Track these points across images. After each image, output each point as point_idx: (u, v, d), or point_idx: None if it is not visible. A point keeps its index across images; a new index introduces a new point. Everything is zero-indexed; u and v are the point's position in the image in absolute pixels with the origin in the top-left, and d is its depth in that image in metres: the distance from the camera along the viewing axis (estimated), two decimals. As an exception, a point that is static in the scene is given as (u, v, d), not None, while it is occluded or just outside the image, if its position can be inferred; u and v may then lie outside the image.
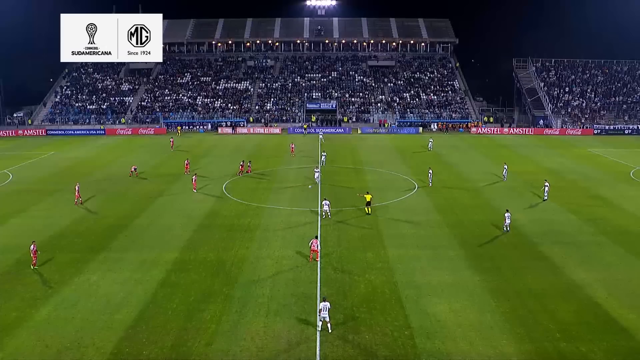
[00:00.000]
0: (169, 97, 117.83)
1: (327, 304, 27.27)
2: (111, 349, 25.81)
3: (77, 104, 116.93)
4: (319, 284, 32.47)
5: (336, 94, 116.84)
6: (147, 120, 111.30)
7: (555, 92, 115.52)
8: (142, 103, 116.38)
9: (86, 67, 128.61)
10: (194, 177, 55.55)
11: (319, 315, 27.41)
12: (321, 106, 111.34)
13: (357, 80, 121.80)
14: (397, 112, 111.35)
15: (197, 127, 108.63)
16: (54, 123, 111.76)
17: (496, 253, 37.91)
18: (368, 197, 46.84)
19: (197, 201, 51.30)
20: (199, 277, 33.87)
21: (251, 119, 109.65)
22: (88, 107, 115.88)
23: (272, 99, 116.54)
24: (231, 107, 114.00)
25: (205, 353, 25.49)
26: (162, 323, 28.10)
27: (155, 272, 34.75)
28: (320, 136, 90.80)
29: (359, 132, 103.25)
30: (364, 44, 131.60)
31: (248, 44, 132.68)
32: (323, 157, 69.50)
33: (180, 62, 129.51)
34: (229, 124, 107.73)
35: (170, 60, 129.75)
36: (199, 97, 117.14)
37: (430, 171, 57.86)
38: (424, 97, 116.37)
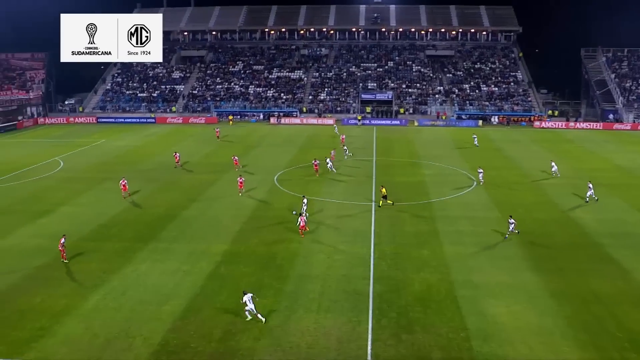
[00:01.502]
0: (220, 86, 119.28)
1: (250, 295, 27.95)
2: (159, 340, 26.35)
3: (127, 92, 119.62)
4: (371, 281, 32.38)
5: (392, 84, 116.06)
6: (198, 109, 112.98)
7: (628, 84, 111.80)
8: (193, 91, 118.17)
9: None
10: (240, 179, 52.34)
11: (246, 309, 27.91)
12: (376, 97, 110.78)
13: (414, 70, 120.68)
14: (455, 104, 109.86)
15: (249, 116, 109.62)
16: (105, 111, 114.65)
17: (558, 254, 36.99)
18: (384, 191, 46.90)
19: (248, 192, 51.79)
20: (249, 270, 34.22)
21: (304, 109, 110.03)
22: (139, 95, 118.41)
23: (325, 89, 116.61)
24: (284, 97, 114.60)
25: (254, 348, 25.74)
26: (211, 316, 28.52)
27: (204, 263, 35.28)
28: (336, 130, 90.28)
29: (416, 124, 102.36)
30: (422, 32, 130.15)
31: (302, 31, 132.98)
32: (346, 151, 69.55)
33: (232, 50, 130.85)
34: (281, 114, 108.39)
35: (222, 48, 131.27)
36: (251, 86, 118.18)
37: (481, 170, 56.17)
38: (485, 88, 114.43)
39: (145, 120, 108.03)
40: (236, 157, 63.15)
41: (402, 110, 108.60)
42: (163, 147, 78.05)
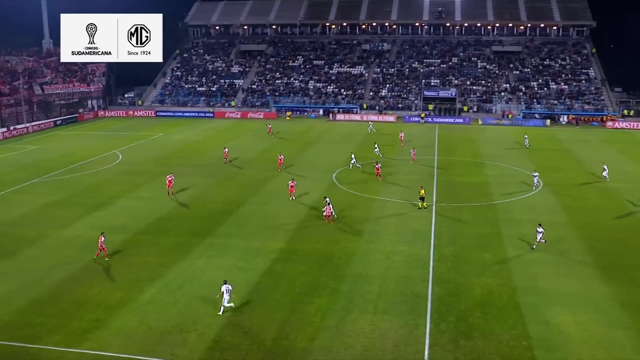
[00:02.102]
0: (279, 81, 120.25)
1: (228, 287, 28.96)
2: (213, 336, 26.77)
3: (186, 86, 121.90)
4: (430, 284, 32.12)
5: (456, 81, 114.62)
6: (257, 103, 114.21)
7: None
8: (252, 86, 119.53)
9: (197, 48, 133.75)
10: (291, 182, 50.13)
11: (224, 300, 28.89)
12: (439, 94, 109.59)
13: (479, 66, 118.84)
14: (522, 103, 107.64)
15: (309, 112, 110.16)
16: (164, 104, 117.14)
17: (630, 262, 35.81)
18: (422, 192, 46.38)
19: (305, 189, 52.09)
20: (305, 269, 34.42)
21: (364, 106, 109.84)
22: (198, 89, 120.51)
23: (387, 85, 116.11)
24: (344, 93, 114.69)
25: (308, 348, 25.87)
26: (265, 313, 28.82)
27: (260, 260, 35.68)
28: (370, 125, 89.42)
29: (480, 122, 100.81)
30: (488, 27, 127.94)
31: (363, 26, 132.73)
32: (376, 149, 68.75)
33: (293, 44, 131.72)
34: (340, 110, 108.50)
35: (282, 42, 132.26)
36: (310, 81, 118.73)
37: (536, 174, 54.29)
38: (554, 86, 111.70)
39: (203, 115, 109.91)
40: (282, 156, 62.00)
41: (465, 108, 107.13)
42: (221, 141, 79.18)
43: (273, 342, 26.32)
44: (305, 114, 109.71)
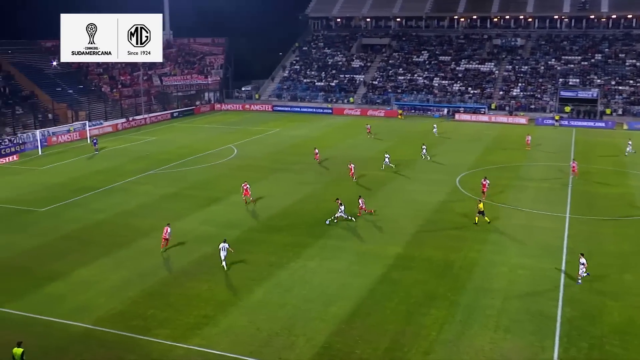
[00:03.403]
0: (402, 77, 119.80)
1: (226, 245, 34.73)
2: (322, 342, 27.04)
3: (305, 80, 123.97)
4: (560, 303, 30.85)
5: (599, 80, 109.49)
6: (378, 100, 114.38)
7: None
8: (373, 82, 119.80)
9: (317, 40, 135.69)
10: (360, 199, 45.95)
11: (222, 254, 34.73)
12: (578, 94, 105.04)
13: (627, 64, 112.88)
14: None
15: (432, 111, 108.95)
16: (281, 99, 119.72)
17: None
18: (481, 206, 43.95)
19: (427, 192, 51.60)
20: (423, 277, 34.10)
21: (493, 106, 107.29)
22: (316, 83, 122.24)
23: (519, 84, 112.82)
24: (471, 91, 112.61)
25: (422, 362, 25.63)
26: (379, 322, 28.78)
27: (376, 266, 35.69)
28: (435, 130, 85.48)
29: (625, 127, 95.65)
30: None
31: (495, 19, 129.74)
32: (423, 150, 67.19)
33: (417, 38, 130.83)
34: (466, 109, 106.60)
35: (407, 36, 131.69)
36: (435, 78, 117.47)
37: None
38: None
39: (321, 111, 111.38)
40: (352, 165, 57.31)
41: (608, 111, 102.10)
42: (338, 139, 79.91)
43: (385, 353, 26.22)
44: (429, 113, 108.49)
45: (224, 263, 34.86)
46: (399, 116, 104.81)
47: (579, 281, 33.26)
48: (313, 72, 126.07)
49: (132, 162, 65.77)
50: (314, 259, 36.80)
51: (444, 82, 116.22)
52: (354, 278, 33.95)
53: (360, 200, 45.22)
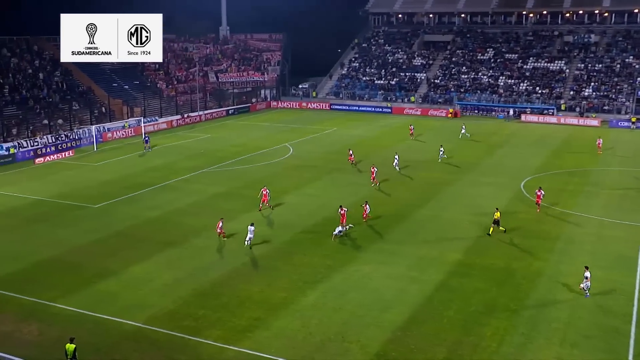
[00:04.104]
0: (466, 76, 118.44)
1: (252, 228, 38.10)
2: (376, 349, 26.94)
3: (364, 78, 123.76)
4: (634, 319, 29.94)
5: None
6: (439, 100, 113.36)
7: None
8: (435, 80, 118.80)
9: (377, 37, 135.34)
10: (365, 207, 45.13)
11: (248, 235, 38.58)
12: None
13: None
14: None
15: (497, 112, 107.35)
16: (339, 97, 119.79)
17: None
18: (497, 215, 42.53)
19: (489, 197, 50.93)
20: (483, 286, 33.64)
21: (563, 107, 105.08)
22: (376, 81, 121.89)
23: (591, 84, 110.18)
24: (539, 91, 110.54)
25: (482, 374, 25.26)
26: (435, 331, 28.51)
27: (433, 272, 35.40)
28: (463, 130, 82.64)
29: None
30: None
31: (567, 14, 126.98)
32: (441, 151, 65.91)
33: (483, 35, 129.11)
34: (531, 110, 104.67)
35: (471, 32, 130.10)
36: (501, 77, 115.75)
37: None
38: None
39: (380, 110, 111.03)
40: (374, 169, 56.35)
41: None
42: (398, 139, 79.46)
43: (442, 363, 25.99)
44: (493, 113, 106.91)
45: (247, 242, 38.55)
46: (452, 114, 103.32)
47: (587, 294, 32.31)
48: (372, 70, 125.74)
49: (185, 159, 66.88)
50: (369, 264, 36.69)
51: (509, 81, 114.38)
52: (410, 284, 33.74)
53: (365, 206, 44.71)
